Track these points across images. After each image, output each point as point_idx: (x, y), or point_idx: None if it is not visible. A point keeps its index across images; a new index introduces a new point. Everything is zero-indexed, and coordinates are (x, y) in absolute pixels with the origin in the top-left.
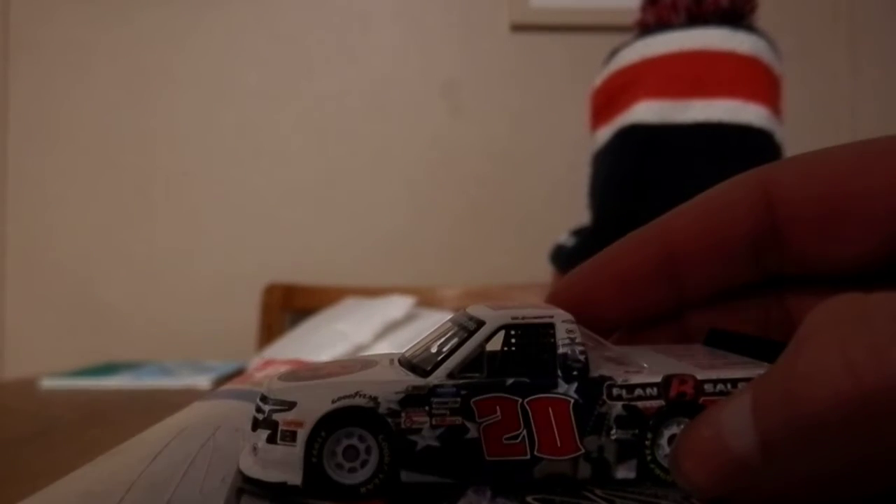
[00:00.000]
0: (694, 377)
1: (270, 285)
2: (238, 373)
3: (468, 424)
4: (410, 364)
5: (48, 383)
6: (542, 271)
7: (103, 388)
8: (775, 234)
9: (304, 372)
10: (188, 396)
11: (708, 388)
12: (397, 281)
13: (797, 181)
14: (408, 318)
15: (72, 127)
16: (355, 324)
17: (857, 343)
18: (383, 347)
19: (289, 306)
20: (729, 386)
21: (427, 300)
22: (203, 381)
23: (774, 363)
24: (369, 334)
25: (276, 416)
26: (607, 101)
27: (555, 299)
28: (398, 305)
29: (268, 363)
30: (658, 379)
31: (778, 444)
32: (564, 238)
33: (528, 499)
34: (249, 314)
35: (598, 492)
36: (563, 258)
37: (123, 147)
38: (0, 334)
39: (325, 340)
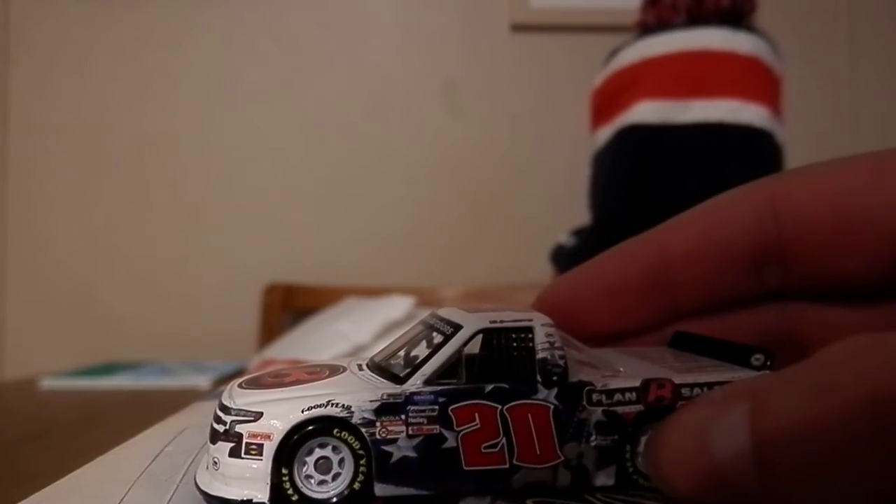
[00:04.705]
0: (671, 381)
1: (270, 285)
2: (238, 373)
3: (446, 433)
4: (381, 369)
5: (48, 383)
6: (543, 271)
7: (103, 388)
8: (780, 250)
9: (268, 378)
10: (188, 396)
11: (685, 392)
12: (397, 281)
13: (809, 195)
14: (408, 319)
15: (71, 127)
16: (355, 324)
17: (886, 394)
18: None
19: (289, 306)
20: (705, 390)
21: (427, 300)
22: (203, 381)
23: (780, 394)
24: (369, 334)
25: (239, 428)
26: (607, 101)
27: (541, 306)
28: (398, 305)
29: (267, 363)
30: (637, 383)
31: (782, 479)
32: (564, 238)
33: (528, 501)
34: (250, 314)
35: (598, 494)
36: (563, 258)
37: (123, 147)
38: (0, 334)
39: (326, 340)
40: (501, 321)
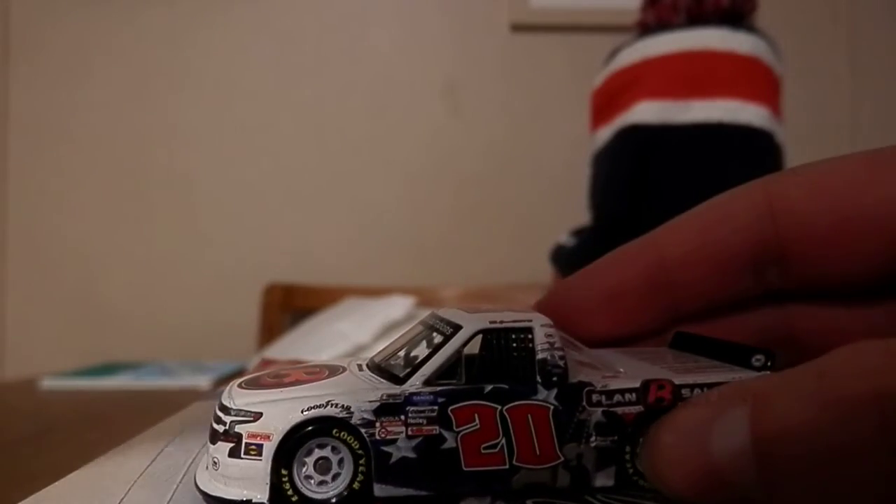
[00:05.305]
0: (671, 382)
1: (270, 285)
2: (238, 373)
3: (445, 434)
4: (381, 369)
5: (48, 383)
6: (543, 271)
7: (103, 388)
8: (779, 248)
9: (268, 378)
10: (188, 396)
11: (685, 393)
12: (397, 281)
13: (805, 193)
14: (408, 319)
15: (73, 127)
16: (355, 324)
17: (890, 393)
18: None
19: (289, 306)
20: (705, 391)
21: (427, 300)
22: (203, 381)
23: (783, 394)
24: (369, 335)
25: (239, 428)
26: (607, 101)
27: (542, 310)
28: (398, 306)
29: (267, 363)
30: (636, 384)
31: (784, 478)
32: (565, 238)
33: (528, 502)
34: (249, 314)
35: (597, 495)
36: (564, 258)
37: (124, 147)
38: (0, 334)
39: (326, 340)
40: (501, 321)
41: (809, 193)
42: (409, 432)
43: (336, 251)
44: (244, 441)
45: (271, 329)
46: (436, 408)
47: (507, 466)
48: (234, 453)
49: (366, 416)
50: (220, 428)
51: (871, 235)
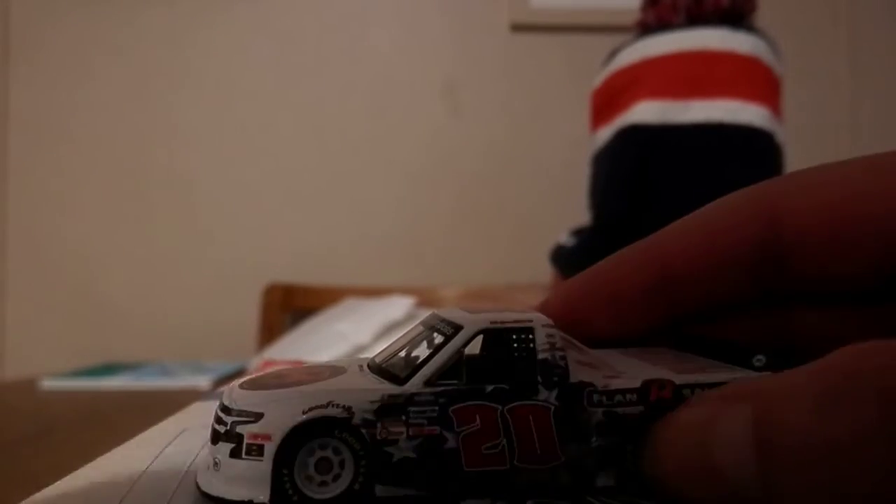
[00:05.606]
0: (672, 382)
1: (270, 285)
2: (238, 373)
3: (446, 434)
4: (382, 370)
5: (48, 383)
6: (543, 271)
7: (103, 388)
8: (779, 251)
9: (269, 379)
10: (188, 396)
11: (686, 393)
12: (397, 281)
13: (806, 197)
14: (408, 319)
15: (73, 126)
16: (355, 324)
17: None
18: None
19: (289, 306)
20: (706, 391)
21: (427, 300)
22: (203, 382)
23: (785, 392)
24: (369, 335)
25: (240, 429)
26: (607, 101)
27: (545, 311)
28: (398, 306)
29: (268, 364)
30: (637, 384)
31: (785, 476)
32: (565, 238)
33: (529, 502)
34: (249, 314)
35: (599, 496)
36: (564, 258)
37: (124, 147)
38: (0, 334)
39: (325, 341)
40: (502, 322)
41: (811, 200)
42: (410, 433)
43: (336, 251)
44: (245, 441)
45: (271, 329)
46: (437, 408)
47: (508, 467)
48: (235, 454)
49: (367, 416)
50: (222, 428)
51: (870, 240)
